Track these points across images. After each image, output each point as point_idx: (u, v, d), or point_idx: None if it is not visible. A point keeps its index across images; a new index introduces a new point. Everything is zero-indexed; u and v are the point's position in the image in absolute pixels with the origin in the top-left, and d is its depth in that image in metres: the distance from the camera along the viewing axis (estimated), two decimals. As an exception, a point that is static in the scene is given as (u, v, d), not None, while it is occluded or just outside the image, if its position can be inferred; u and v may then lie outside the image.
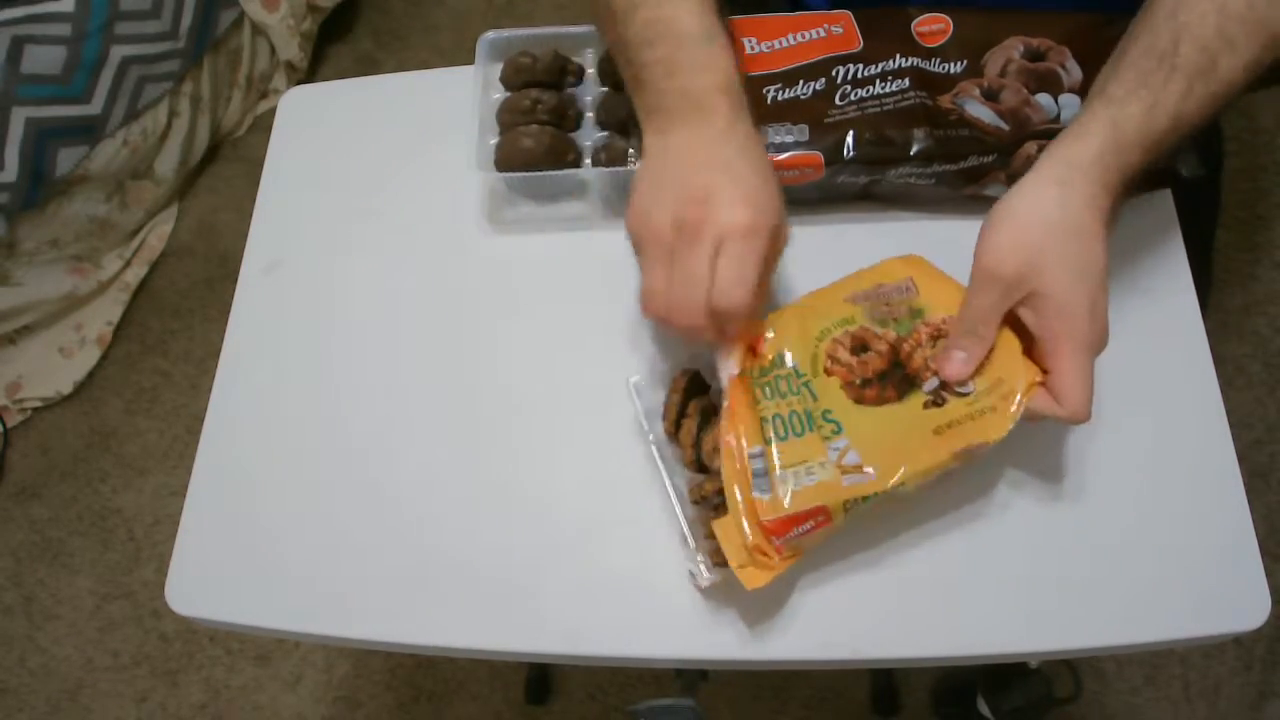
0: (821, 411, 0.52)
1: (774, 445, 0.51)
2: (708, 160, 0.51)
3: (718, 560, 0.52)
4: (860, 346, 0.54)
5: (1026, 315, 0.50)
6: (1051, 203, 0.49)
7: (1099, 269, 0.49)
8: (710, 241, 0.49)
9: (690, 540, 0.53)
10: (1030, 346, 0.51)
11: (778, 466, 0.51)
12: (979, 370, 0.51)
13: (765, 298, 0.52)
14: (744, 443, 0.51)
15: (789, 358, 0.54)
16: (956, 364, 0.51)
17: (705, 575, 0.52)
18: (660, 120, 0.53)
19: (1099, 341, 0.50)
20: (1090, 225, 0.49)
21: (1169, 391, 0.58)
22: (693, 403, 0.55)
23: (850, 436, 0.51)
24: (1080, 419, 0.49)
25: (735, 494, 0.50)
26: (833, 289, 0.56)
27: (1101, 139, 0.49)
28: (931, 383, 0.52)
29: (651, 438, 0.56)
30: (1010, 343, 0.51)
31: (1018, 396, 0.50)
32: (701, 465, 0.55)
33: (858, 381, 0.53)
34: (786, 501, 0.50)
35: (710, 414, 0.55)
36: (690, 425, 0.54)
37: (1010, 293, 0.50)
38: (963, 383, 0.51)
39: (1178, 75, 0.49)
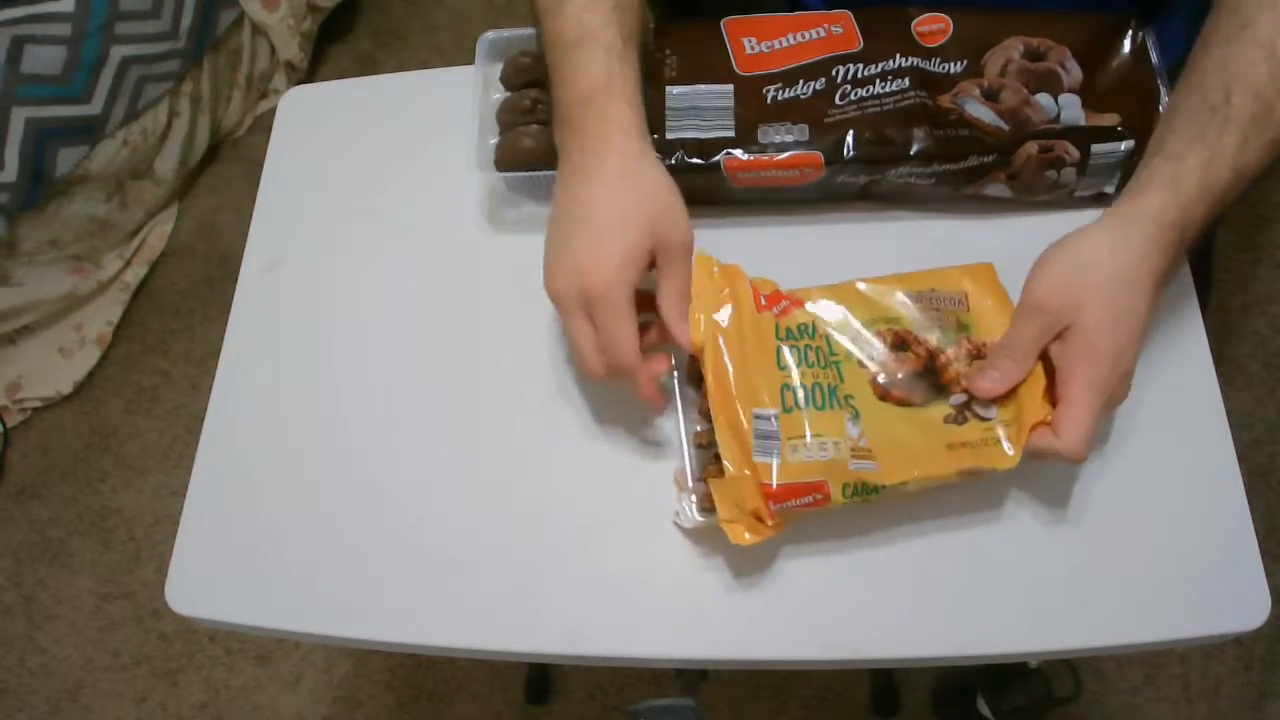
0: (845, 395, 0.52)
1: (794, 412, 0.51)
2: (583, 215, 0.53)
3: (706, 506, 0.53)
4: (899, 345, 0.54)
5: (1055, 347, 0.51)
6: (1105, 249, 0.50)
7: (1137, 322, 0.49)
8: (614, 307, 0.51)
9: (689, 479, 0.54)
10: (1051, 385, 0.51)
11: (793, 435, 0.51)
12: (1005, 400, 0.52)
13: (685, 304, 0.54)
14: (739, 408, 0.51)
15: (825, 334, 0.54)
16: (989, 381, 0.52)
17: (691, 517, 0.53)
18: (560, 149, 0.55)
19: (1116, 389, 0.50)
20: (1140, 279, 0.49)
21: (1169, 391, 0.58)
22: None
23: (865, 425, 0.52)
24: (1073, 455, 0.49)
25: (734, 456, 0.51)
26: (887, 281, 0.56)
27: (1162, 196, 0.50)
28: (958, 398, 0.52)
29: (675, 376, 0.58)
30: (1037, 382, 0.52)
31: (1026, 431, 0.50)
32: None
33: (885, 380, 0.53)
34: (793, 470, 0.50)
35: None
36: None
37: (1052, 325, 0.50)
38: (987, 405, 0.52)
39: (1232, 127, 0.49)
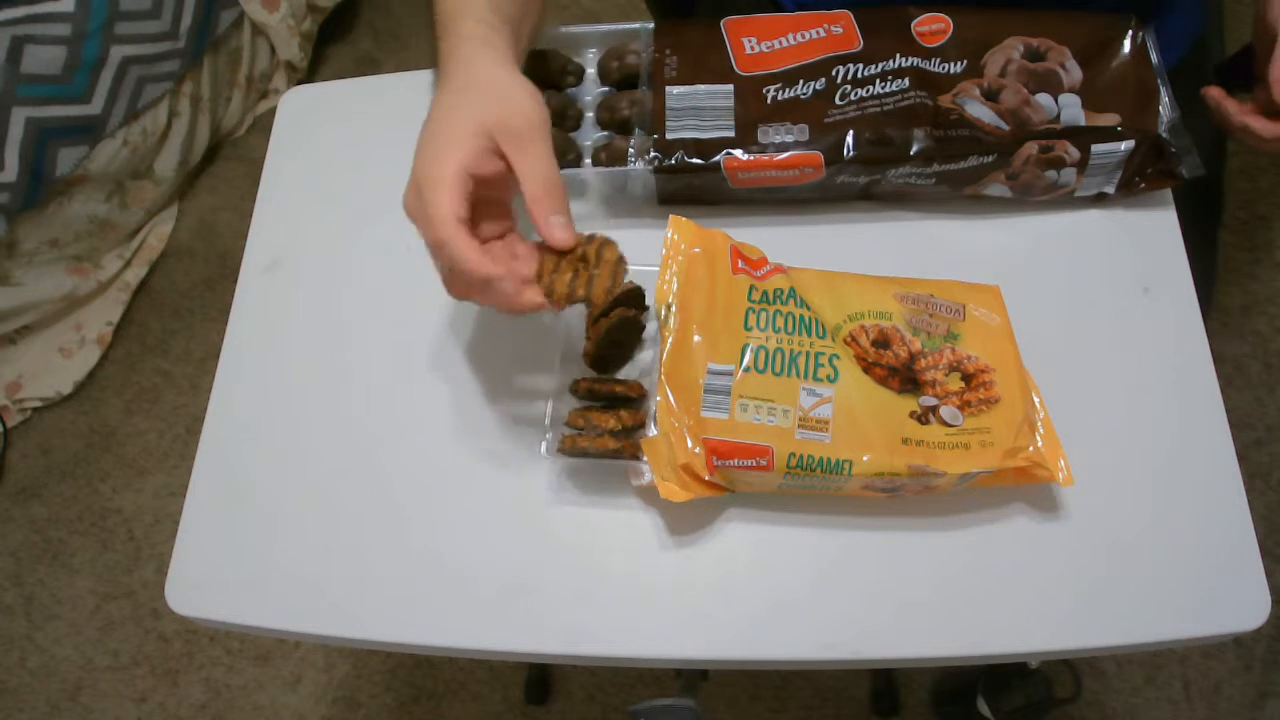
0: (830, 355, 0.53)
1: (750, 374, 0.52)
2: (424, 133, 0.51)
3: (563, 449, 0.54)
4: (882, 342, 0.54)
5: None
6: None
7: None
8: (441, 230, 0.48)
9: (547, 419, 0.57)
10: (1028, 420, 0.53)
11: (744, 394, 0.52)
12: (974, 411, 0.53)
13: (553, 192, 0.49)
14: (695, 363, 0.52)
15: (806, 307, 0.55)
16: None
17: (544, 454, 0.56)
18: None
19: None
20: None
21: (1169, 391, 0.58)
22: (620, 310, 0.57)
23: (838, 391, 0.52)
24: None
25: (667, 414, 0.52)
26: (887, 279, 0.57)
27: None
28: (929, 400, 0.53)
29: (567, 320, 0.60)
30: (1012, 411, 0.53)
31: (994, 454, 0.51)
32: (598, 365, 0.58)
33: (870, 359, 0.54)
34: (740, 429, 0.51)
35: (632, 325, 0.57)
36: (605, 325, 0.56)
37: None
38: (954, 415, 0.53)
39: None
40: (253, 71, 1.66)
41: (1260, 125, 0.61)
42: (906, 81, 0.62)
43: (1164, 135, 0.60)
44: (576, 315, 0.60)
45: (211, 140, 1.64)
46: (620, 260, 0.51)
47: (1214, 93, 0.64)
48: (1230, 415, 0.57)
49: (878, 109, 0.61)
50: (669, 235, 0.56)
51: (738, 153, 0.61)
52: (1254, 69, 0.62)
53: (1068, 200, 0.64)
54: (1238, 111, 0.62)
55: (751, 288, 0.55)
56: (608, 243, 0.51)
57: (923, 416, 0.52)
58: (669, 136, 0.62)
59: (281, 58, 1.67)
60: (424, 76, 0.77)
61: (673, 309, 0.54)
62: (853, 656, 0.52)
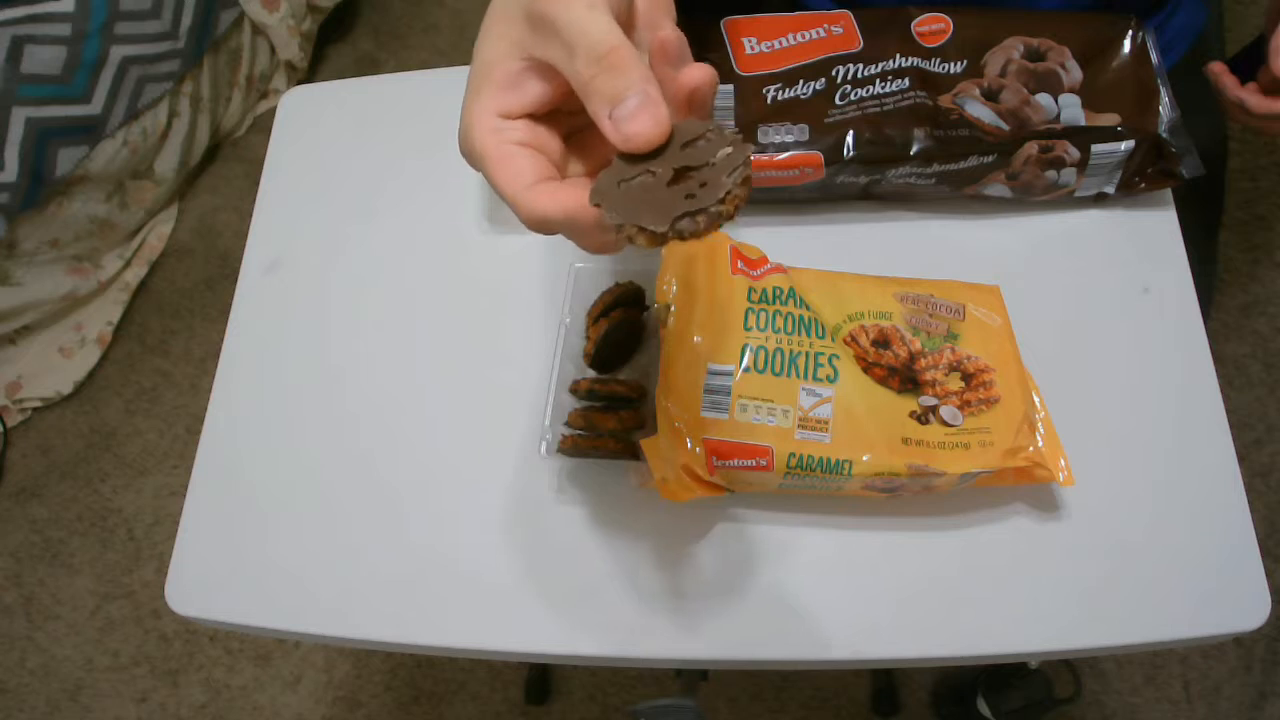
0: (830, 355, 0.53)
1: (750, 374, 0.52)
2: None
3: (563, 449, 0.54)
4: (882, 342, 0.54)
5: None
6: None
7: None
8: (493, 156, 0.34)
9: (547, 419, 0.56)
10: (1026, 421, 0.52)
11: (744, 395, 0.52)
12: (974, 411, 0.53)
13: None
14: (696, 364, 0.52)
15: (805, 307, 0.55)
16: None
17: (544, 454, 0.56)
18: None
19: None
20: None
21: (1169, 391, 0.58)
22: (620, 310, 0.57)
23: (838, 391, 0.52)
24: None
25: (666, 414, 0.52)
26: (887, 279, 0.57)
27: None
28: (929, 400, 0.53)
29: (567, 320, 0.59)
30: (1011, 411, 0.53)
31: (994, 454, 0.51)
32: (598, 365, 0.58)
33: (870, 359, 0.54)
34: (740, 429, 0.51)
35: (632, 325, 0.57)
36: (605, 325, 0.56)
37: None
38: (954, 415, 0.53)
39: None
40: (253, 71, 1.66)
41: (1255, 101, 0.63)
42: (906, 81, 0.62)
43: (1164, 135, 0.60)
44: (576, 315, 0.60)
45: (211, 140, 1.64)
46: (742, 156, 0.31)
47: (1215, 67, 0.65)
48: (1230, 415, 0.57)
49: (878, 109, 0.61)
50: None
51: (738, 153, 0.61)
52: (1262, 52, 0.63)
53: (1068, 200, 0.64)
54: (1233, 86, 0.64)
55: (750, 288, 0.55)
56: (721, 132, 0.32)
57: (923, 416, 0.52)
58: (669, 136, 0.61)
59: (281, 58, 1.67)
60: (424, 76, 0.77)
61: (672, 309, 0.54)
62: (852, 656, 0.52)
